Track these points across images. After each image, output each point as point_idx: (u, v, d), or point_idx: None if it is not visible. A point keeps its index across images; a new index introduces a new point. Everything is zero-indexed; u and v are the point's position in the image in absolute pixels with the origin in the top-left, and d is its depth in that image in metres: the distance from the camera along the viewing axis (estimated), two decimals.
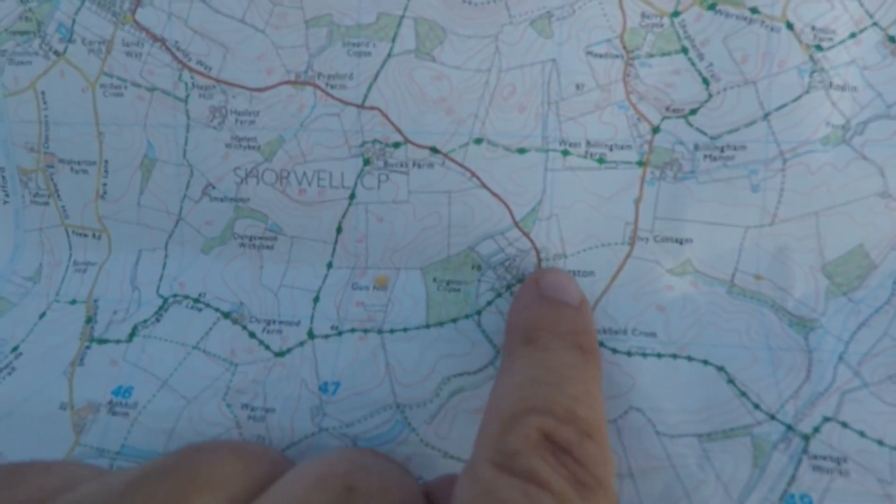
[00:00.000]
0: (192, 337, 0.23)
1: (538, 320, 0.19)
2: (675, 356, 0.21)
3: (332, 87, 0.23)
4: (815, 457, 0.18)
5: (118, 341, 0.23)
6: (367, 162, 0.23)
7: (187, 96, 0.23)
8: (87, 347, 0.23)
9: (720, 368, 0.20)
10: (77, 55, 0.23)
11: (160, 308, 0.23)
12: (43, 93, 0.24)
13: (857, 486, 0.18)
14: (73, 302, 0.24)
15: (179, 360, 0.22)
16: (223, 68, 0.23)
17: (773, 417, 0.19)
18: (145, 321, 0.23)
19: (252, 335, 0.22)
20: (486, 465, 0.14)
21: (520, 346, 0.18)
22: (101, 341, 0.23)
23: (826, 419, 0.19)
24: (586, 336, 0.19)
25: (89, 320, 0.23)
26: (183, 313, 0.23)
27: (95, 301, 0.24)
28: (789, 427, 0.19)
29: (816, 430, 0.19)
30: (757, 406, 0.19)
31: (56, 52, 0.23)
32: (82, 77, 0.23)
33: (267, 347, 0.22)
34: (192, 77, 0.23)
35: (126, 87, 0.23)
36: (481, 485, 0.14)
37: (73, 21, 0.23)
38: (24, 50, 0.23)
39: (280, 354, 0.22)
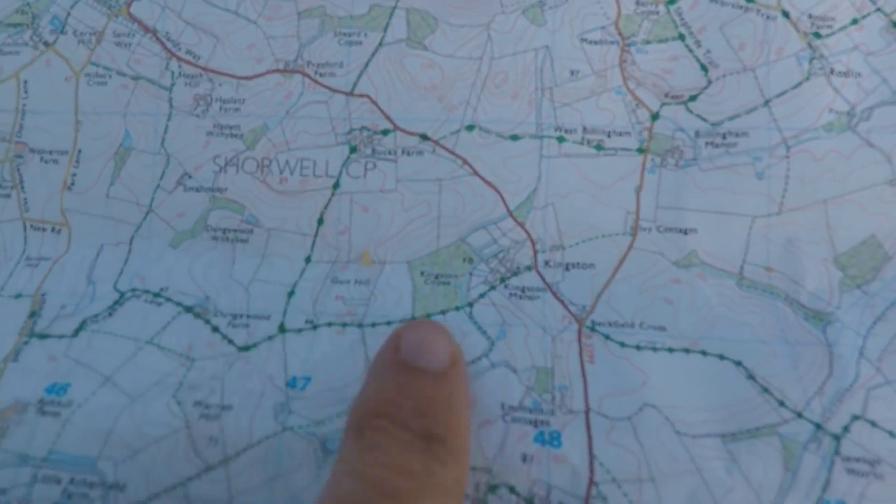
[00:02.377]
0: (147, 332, 0.20)
1: (377, 402, 0.15)
2: (687, 351, 0.18)
3: (320, 74, 0.22)
4: (849, 458, 0.16)
5: (61, 336, 0.20)
6: (353, 150, 0.22)
7: (172, 85, 0.22)
8: (25, 343, 0.20)
9: (738, 363, 0.18)
10: (66, 45, 0.23)
11: (115, 302, 0.21)
12: (25, 82, 0.23)
13: (894, 490, 0.15)
14: (18, 296, 0.22)
15: (128, 355, 0.19)
16: (212, 57, 0.22)
17: (799, 415, 0.17)
18: (96, 316, 0.21)
19: (215, 329, 0.20)
20: None
21: (348, 438, 0.15)
22: (42, 336, 0.20)
23: (855, 417, 0.17)
24: (440, 417, 0.15)
25: (32, 314, 0.21)
26: (139, 308, 0.21)
27: (43, 295, 0.21)
28: (818, 426, 0.17)
29: (846, 429, 0.17)
30: (782, 403, 0.17)
31: (45, 43, 0.23)
32: (68, 66, 0.23)
33: (230, 342, 0.20)
34: (179, 66, 0.22)
35: (111, 76, 0.22)
36: None
37: (69, 14, 0.23)
38: (14, 41, 0.23)
39: (245, 349, 0.20)
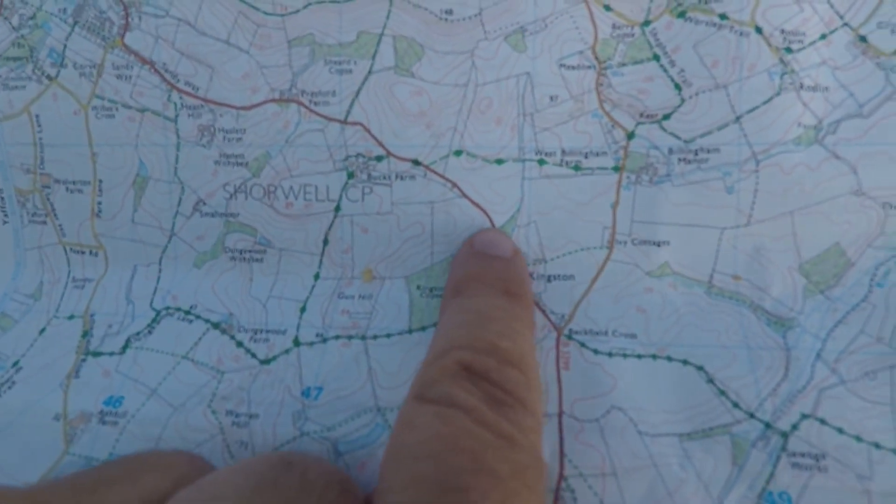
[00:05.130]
0: (182, 347, 0.23)
1: (467, 273, 0.20)
2: (655, 357, 0.21)
3: (315, 103, 0.23)
4: (794, 454, 0.18)
5: (112, 353, 0.23)
6: (350, 175, 0.23)
7: (176, 116, 0.24)
8: (83, 360, 0.23)
9: (699, 368, 0.20)
10: (69, 79, 0.24)
11: (153, 320, 0.24)
12: (37, 116, 0.25)
13: (835, 483, 0.18)
14: (71, 317, 0.25)
15: (169, 369, 0.23)
16: (210, 88, 0.24)
17: (752, 416, 0.19)
18: (138, 333, 0.24)
19: (239, 344, 0.23)
20: (407, 400, 0.15)
21: (450, 299, 0.19)
22: (96, 354, 0.23)
23: (804, 416, 0.19)
24: (515, 283, 0.19)
25: (85, 334, 0.24)
26: (174, 325, 0.24)
27: (92, 315, 0.24)
28: (768, 425, 0.19)
29: (795, 427, 0.19)
30: (736, 405, 0.19)
31: (48, 77, 0.24)
32: (74, 100, 0.24)
33: (253, 355, 0.23)
34: (180, 97, 0.24)
35: (117, 109, 0.24)
36: (401, 416, 0.15)
37: (65, 46, 0.24)
38: (17, 75, 0.24)
39: (266, 362, 0.22)
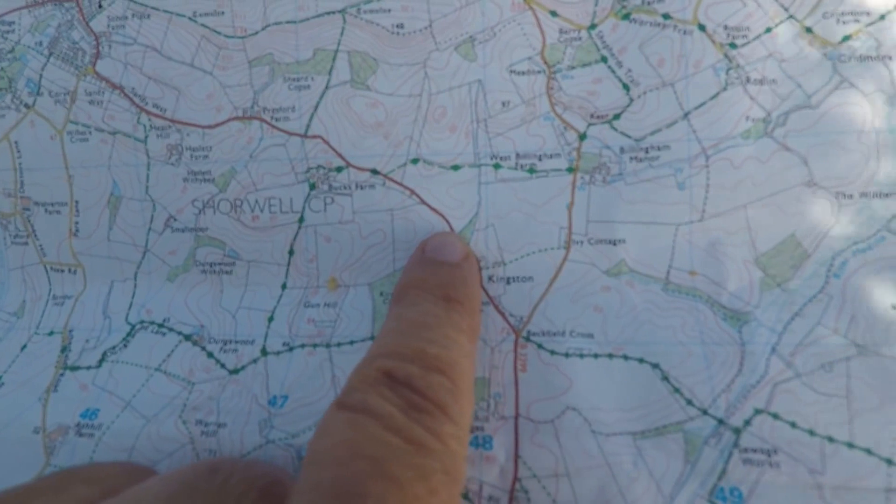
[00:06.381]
0: (155, 359, 0.24)
1: (409, 280, 0.20)
2: (611, 356, 0.21)
3: (276, 119, 0.24)
4: (746, 450, 0.18)
5: (89, 367, 0.24)
6: (312, 186, 0.24)
7: (146, 137, 0.25)
8: (62, 375, 0.24)
9: (655, 366, 0.20)
10: (45, 106, 0.25)
11: (128, 334, 0.25)
12: (16, 142, 0.26)
13: (787, 478, 0.18)
14: (51, 333, 0.26)
15: (142, 381, 0.23)
16: (177, 109, 0.25)
17: (705, 412, 0.19)
18: (114, 347, 0.25)
19: (210, 355, 0.24)
20: (329, 407, 0.15)
21: (392, 306, 0.20)
22: (74, 368, 0.24)
23: (757, 411, 0.19)
24: (457, 288, 0.19)
25: (64, 349, 0.25)
26: (148, 338, 0.24)
27: (70, 331, 0.25)
28: (720, 421, 0.19)
29: (747, 423, 0.19)
30: (689, 402, 0.19)
31: (26, 105, 0.25)
32: (50, 126, 0.25)
33: (222, 366, 0.23)
34: (149, 119, 0.25)
35: (91, 133, 0.25)
36: (320, 423, 0.15)
37: (41, 76, 0.25)
38: None
39: (234, 372, 0.23)
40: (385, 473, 0.13)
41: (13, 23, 0.26)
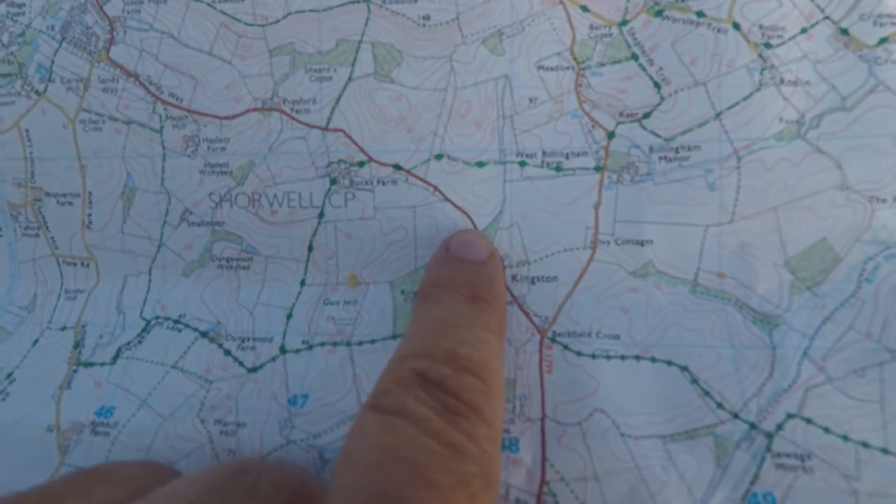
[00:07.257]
0: (171, 356, 0.23)
1: (435, 279, 0.20)
2: (638, 358, 0.21)
3: (296, 111, 0.23)
4: (779, 454, 0.18)
5: (103, 364, 0.24)
6: (333, 181, 0.23)
7: (161, 127, 0.24)
8: (75, 371, 0.24)
9: (683, 368, 0.20)
10: (56, 93, 0.25)
11: (143, 330, 0.24)
12: (27, 130, 0.25)
13: (821, 483, 0.18)
14: (64, 328, 0.25)
15: (158, 379, 0.23)
16: (194, 99, 0.24)
17: (736, 416, 0.19)
18: (128, 343, 0.24)
19: (227, 353, 0.23)
20: (361, 409, 0.15)
21: (418, 305, 0.19)
22: (88, 364, 0.24)
23: (790, 416, 0.19)
24: (484, 287, 0.19)
25: (77, 345, 0.24)
26: (163, 334, 0.24)
27: (83, 326, 0.25)
28: (752, 425, 0.19)
29: (780, 427, 0.19)
30: (720, 405, 0.19)
31: (37, 92, 0.25)
32: (62, 114, 0.25)
33: (240, 364, 0.23)
34: (165, 109, 0.24)
35: (104, 122, 0.24)
36: (353, 425, 0.15)
37: (52, 62, 0.25)
38: (7, 91, 0.25)
39: (253, 370, 0.23)
40: (425, 479, 0.13)
41: (23, 5, 0.25)
